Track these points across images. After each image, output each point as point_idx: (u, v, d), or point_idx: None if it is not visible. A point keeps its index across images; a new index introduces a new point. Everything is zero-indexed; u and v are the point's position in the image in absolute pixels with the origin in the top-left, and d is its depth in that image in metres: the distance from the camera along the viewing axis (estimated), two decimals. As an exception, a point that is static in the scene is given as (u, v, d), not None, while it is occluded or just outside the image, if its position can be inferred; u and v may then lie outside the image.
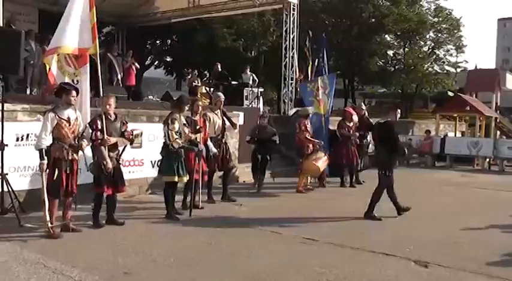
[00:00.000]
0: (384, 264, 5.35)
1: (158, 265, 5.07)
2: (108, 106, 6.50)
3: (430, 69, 31.21)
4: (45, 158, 5.96)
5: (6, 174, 6.77)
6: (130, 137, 6.77)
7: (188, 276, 4.80)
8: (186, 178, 7.36)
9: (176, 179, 7.20)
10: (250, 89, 17.89)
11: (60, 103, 6.12)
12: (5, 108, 6.85)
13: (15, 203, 6.72)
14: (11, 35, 7.13)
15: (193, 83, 17.22)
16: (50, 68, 6.21)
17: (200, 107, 8.10)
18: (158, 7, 17.52)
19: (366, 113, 11.66)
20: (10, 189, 6.77)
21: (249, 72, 18.27)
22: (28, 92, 10.99)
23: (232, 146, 10.21)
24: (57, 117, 6.01)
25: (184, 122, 7.61)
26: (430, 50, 32.10)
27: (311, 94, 11.24)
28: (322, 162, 9.95)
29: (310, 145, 10.07)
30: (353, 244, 6.09)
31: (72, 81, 6.44)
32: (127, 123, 6.86)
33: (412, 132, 20.93)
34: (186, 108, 7.56)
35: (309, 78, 14.63)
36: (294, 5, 14.19)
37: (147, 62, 25.34)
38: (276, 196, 9.58)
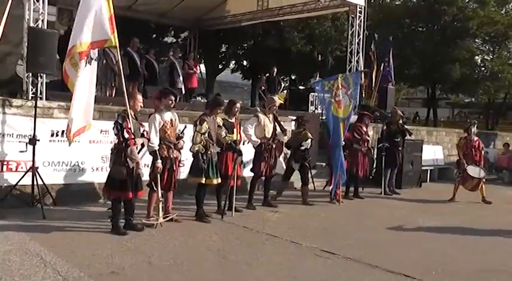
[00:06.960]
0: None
1: (151, 267, 4.95)
2: (139, 104, 6.40)
3: (521, 76, 28.43)
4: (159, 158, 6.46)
5: (37, 168, 7.01)
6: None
7: (173, 279, 4.64)
8: (216, 181, 7.23)
9: (204, 181, 7.08)
10: (316, 94, 17.56)
11: (161, 106, 6.59)
12: (41, 105, 7.17)
13: (46, 195, 6.99)
14: (46, 35, 7.41)
15: (262, 88, 17.16)
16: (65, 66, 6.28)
17: (238, 110, 7.92)
18: (229, 10, 17.63)
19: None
20: (39, 182, 6.97)
21: (318, 77, 17.98)
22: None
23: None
24: (162, 119, 6.54)
25: (221, 124, 7.53)
26: (523, 55, 29.20)
27: (329, 94, 9.38)
28: (474, 183, 10.44)
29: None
30: (372, 260, 5.59)
31: None
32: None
33: (493, 145, 19.19)
34: (220, 110, 7.44)
35: (373, 85, 14.06)
36: (360, 8, 13.66)
37: (220, 66, 25.55)
38: (316, 205, 9.17)
